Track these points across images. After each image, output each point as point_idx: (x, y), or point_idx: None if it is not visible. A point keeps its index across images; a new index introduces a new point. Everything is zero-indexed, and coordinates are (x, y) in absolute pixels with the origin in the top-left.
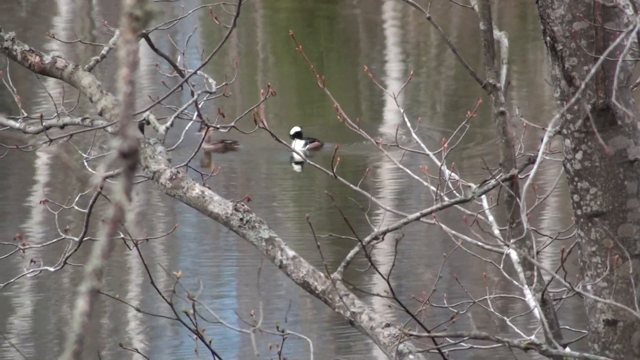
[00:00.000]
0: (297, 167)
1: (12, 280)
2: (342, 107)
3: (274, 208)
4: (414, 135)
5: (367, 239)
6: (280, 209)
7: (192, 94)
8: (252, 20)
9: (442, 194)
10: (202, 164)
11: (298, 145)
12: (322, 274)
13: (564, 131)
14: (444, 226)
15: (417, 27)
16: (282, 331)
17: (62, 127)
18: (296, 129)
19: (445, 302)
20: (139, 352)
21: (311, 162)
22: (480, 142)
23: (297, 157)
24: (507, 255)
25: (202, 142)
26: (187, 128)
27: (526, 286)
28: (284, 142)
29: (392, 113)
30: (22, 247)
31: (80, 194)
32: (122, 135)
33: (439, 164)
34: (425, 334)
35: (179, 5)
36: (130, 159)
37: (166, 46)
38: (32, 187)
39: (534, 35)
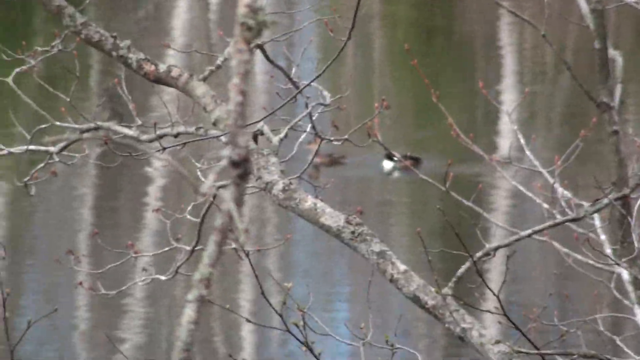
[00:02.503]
0: (392, 176)
1: (123, 288)
2: (456, 123)
3: (386, 221)
4: (527, 152)
5: (479, 254)
6: (392, 223)
7: (306, 106)
8: (369, 32)
9: (554, 212)
10: (310, 177)
11: (387, 165)
12: (432, 289)
13: None
14: (555, 244)
15: (534, 44)
16: (392, 345)
17: (176, 136)
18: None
19: (555, 320)
20: None
21: (424, 177)
22: (595, 161)
23: (387, 169)
24: (619, 274)
25: (315, 154)
26: (300, 140)
27: (637, 305)
28: (398, 156)
29: (507, 130)
30: (134, 255)
31: (192, 203)
32: (233, 144)
33: (552, 181)
34: (535, 351)
35: (297, 16)
36: (241, 168)
37: (282, 58)
38: (145, 196)
39: None
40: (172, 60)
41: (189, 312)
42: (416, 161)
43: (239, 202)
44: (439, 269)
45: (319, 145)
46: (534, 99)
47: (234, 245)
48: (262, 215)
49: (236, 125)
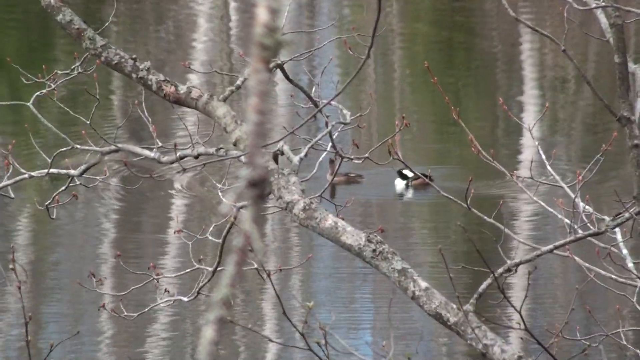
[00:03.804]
0: (403, 198)
1: (145, 310)
2: (477, 138)
3: (405, 240)
4: (548, 167)
5: (500, 270)
6: (411, 241)
7: (327, 125)
8: (389, 51)
9: (575, 227)
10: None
11: (399, 184)
12: (454, 306)
13: None
14: (577, 258)
15: (555, 59)
16: None
17: (197, 157)
18: (406, 171)
19: (577, 334)
20: None
21: (445, 194)
22: (616, 175)
23: (400, 188)
24: None
25: (335, 173)
26: (321, 159)
27: None
28: (418, 173)
29: (528, 145)
30: (155, 277)
31: (214, 224)
32: (251, 164)
33: (573, 196)
34: None
35: (317, 34)
36: (259, 188)
37: (303, 77)
38: (168, 217)
39: None
40: (194, 80)
41: (209, 332)
42: (429, 179)
43: (258, 222)
44: (461, 286)
45: (340, 164)
46: (555, 113)
47: (256, 266)
48: (285, 235)
49: (254, 146)
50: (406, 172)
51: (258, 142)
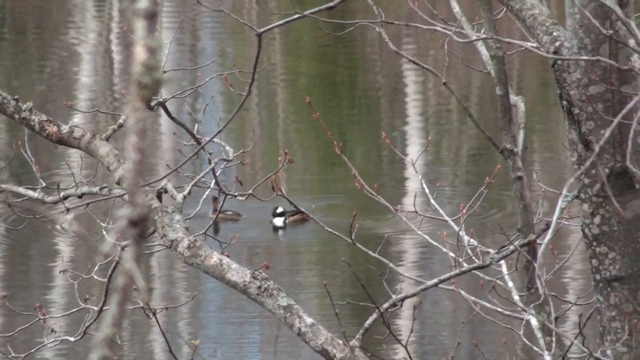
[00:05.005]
0: (279, 233)
1: (32, 351)
2: (361, 175)
3: (292, 276)
4: (432, 201)
5: (385, 305)
6: (298, 277)
7: (209, 162)
8: (272, 86)
9: (460, 260)
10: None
11: (277, 221)
12: (340, 342)
13: (582, 196)
14: (462, 292)
15: (438, 92)
16: None
17: (80, 196)
18: (280, 209)
19: None
20: None
21: (330, 230)
22: (500, 207)
23: (278, 225)
24: (527, 321)
25: (219, 210)
26: (205, 196)
27: (546, 352)
28: (303, 209)
29: (413, 178)
30: (42, 318)
31: (98, 263)
32: (131, 203)
33: (457, 229)
34: None
35: (200, 71)
36: (140, 226)
37: (186, 115)
38: (54, 257)
39: (554, 99)
40: (78, 119)
41: None
42: (309, 215)
43: (140, 260)
44: (347, 322)
45: (224, 202)
46: (439, 144)
47: (142, 304)
48: (173, 273)
49: (134, 184)
50: (281, 208)
51: (138, 181)
